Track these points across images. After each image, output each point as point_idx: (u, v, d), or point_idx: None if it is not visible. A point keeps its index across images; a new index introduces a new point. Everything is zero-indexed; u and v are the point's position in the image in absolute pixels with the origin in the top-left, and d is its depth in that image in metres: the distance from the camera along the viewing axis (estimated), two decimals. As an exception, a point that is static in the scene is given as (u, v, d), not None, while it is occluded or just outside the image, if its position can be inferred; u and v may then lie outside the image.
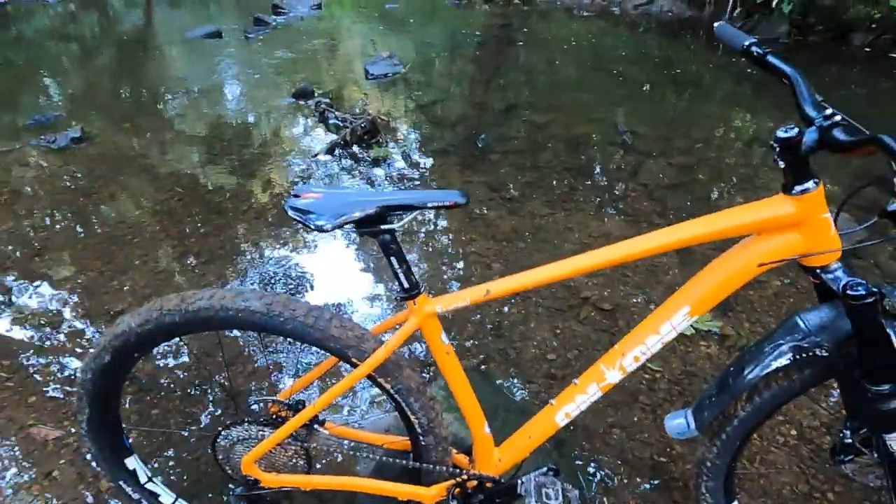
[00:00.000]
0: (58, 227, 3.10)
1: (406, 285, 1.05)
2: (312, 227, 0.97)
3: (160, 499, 1.42)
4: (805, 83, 0.94)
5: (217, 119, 4.70)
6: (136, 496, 1.39)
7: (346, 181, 3.56)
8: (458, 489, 1.25)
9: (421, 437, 1.20)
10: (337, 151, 3.82)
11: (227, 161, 3.86)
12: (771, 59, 1.01)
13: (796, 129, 0.88)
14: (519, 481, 1.20)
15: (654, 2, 7.69)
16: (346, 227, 0.98)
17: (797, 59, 5.68)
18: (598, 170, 3.59)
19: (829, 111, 0.88)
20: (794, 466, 1.71)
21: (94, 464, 1.32)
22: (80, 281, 2.65)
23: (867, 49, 5.69)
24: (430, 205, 0.97)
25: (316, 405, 1.18)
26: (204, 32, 7.27)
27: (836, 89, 4.78)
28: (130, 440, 1.39)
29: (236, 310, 1.08)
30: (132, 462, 1.37)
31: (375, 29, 7.95)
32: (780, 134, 0.89)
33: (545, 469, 1.20)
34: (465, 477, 1.23)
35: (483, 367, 2.11)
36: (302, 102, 4.80)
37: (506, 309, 2.40)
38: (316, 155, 3.80)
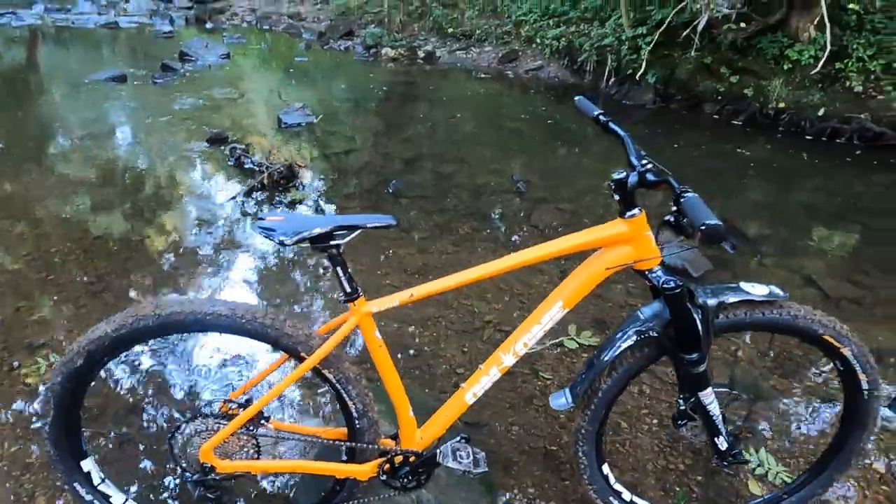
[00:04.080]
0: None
1: (348, 290, 1.33)
2: (276, 241, 1.24)
3: (111, 500, 1.54)
4: (631, 142, 1.35)
5: (132, 163, 4.72)
6: (88, 497, 1.51)
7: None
8: (387, 465, 1.50)
9: (356, 421, 1.46)
10: (255, 194, 4.02)
11: (145, 204, 3.92)
12: (611, 125, 1.43)
13: (624, 173, 1.29)
14: (438, 451, 1.48)
15: (542, 68, 8.60)
16: (302, 242, 1.26)
17: (660, 122, 6.65)
18: (496, 214, 4.04)
19: (645, 161, 1.29)
20: (655, 447, 2.11)
21: (52, 466, 1.45)
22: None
23: (715, 116, 6.75)
24: (369, 225, 1.28)
25: (266, 397, 1.41)
26: (107, 76, 7.20)
27: (689, 148, 5.66)
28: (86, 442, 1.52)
29: (205, 314, 1.31)
30: (88, 464, 1.50)
31: (285, 80, 8.22)
32: (615, 176, 1.29)
33: (458, 438, 1.50)
34: (393, 453, 1.49)
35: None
36: (216, 148, 4.94)
37: (421, 331, 2.70)
38: (234, 197, 3.97)
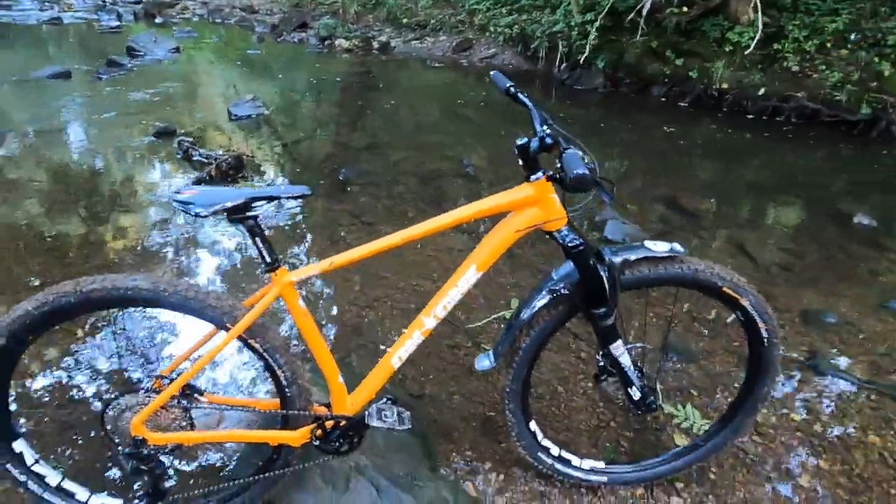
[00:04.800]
0: None
1: (268, 260, 1.37)
2: (192, 214, 1.27)
3: (47, 479, 1.55)
4: (536, 110, 1.41)
5: (78, 157, 4.63)
6: (22, 478, 1.52)
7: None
8: (319, 430, 1.56)
9: (286, 389, 1.50)
10: (202, 185, 3.99)
11: (89, 198, 3.87)
12: (520, 96, 1.49)
13: (527, 139, 1.36)
14: (366, 413, 1.54)
15: (496, 56, 8.68)
16: (218, 214, 1.29)
17: (610, 105, 6.80)
18: (445, 197, 4.10)
19: (545, 127, 1.36)
20: (589, 408, 2.22)
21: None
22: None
23: (663, 99, 6.94)
24: (284, 196, 1.32)
25: (194, 368, 1.44)
26: (50, 72, 6.99)
27: (638, 129, 5.82)
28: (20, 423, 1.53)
29: (126, 288, 1.34)
30: (20, 445, 1.51)
31: (237, 73, 8.12)
32: (518, 142, 1.36)
33: (384, 399, 1.56)
34: (325, 418, 1.55)
35: (346, 359, 2.43)
36: (164, 142, 4.88)
37: (366, 313, 2.75)
38: (180, 190, 3.93)
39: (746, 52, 6.20)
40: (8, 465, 1.50)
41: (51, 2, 13.14)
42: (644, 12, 6.70)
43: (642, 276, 1.48)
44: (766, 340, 1.59)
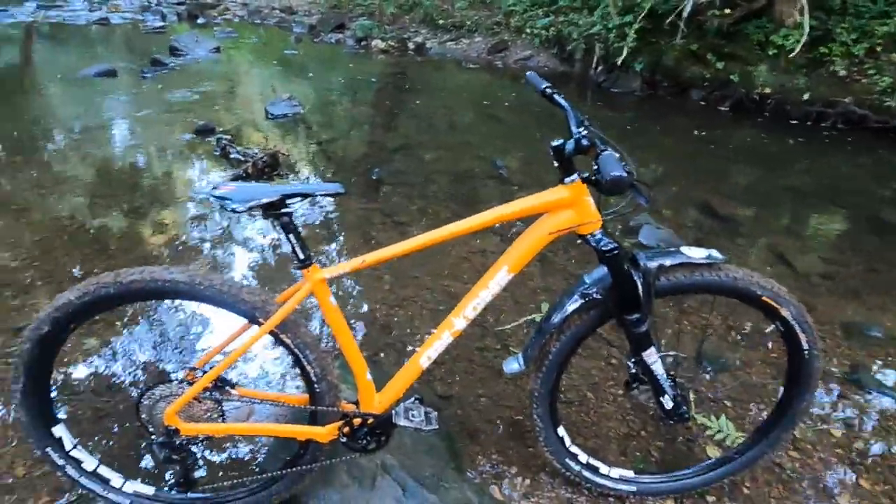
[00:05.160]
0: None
1: (301, 257, 1.39)
2: (229, 209, 1.29)
3: (83, 464, 1.60)
4: (573, 111, 1.39)
5: (121, 152, 4.78)
6: (61, 462, 1.57)
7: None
8: (346, 427, 1.56)
9: (316, 385, 1.51)
10: (239, 181, 4.07)
11: (130, 193, 3.98)
12: (555, 97, 1.47)
13: (562, 140, 1.34)
14: (393, 412, 1.55)
15: (531, 58, 8.63)
16: (253, 210, 1.31)
17: (647, 108, 6.69)
18: (477, 198, 4.09)
19: (582, 129, 1.34)
20: (619, 416, 2.18)
21: (24, 432, 1.51)
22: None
23: (702, 102, 6.79)
24: (318, 193, 1.34)
25: (226, 361, 1.47)
26: (97, 71, 7.23)
27: (676, 133, 5.70)
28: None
29: (164, 280, 1.37)
30: (59, 430, 1.56)
31: (274, 73, 8.26)
32: (553, 143, 1.34)
33: (412, 399, 1.56)
34: (352, 415, 1.55)
35: (375, 357, 2.44)
36: (204, 139, 4.99)
37: (395, 311, 2.76)
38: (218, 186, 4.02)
39: (791, 56, 6.02)
40: (48, 449, 1.55)
41: (100, 3, 13.58)
42: (685, 14, 6.57)
43: (678, 283, 1.45)
44: (806, 352, 1.53)
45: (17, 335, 2.46)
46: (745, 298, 1.49)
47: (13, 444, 1.93)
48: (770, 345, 2.52)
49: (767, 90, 6.36)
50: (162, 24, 11.58)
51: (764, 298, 1.47)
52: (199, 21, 12.27)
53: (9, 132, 5.10)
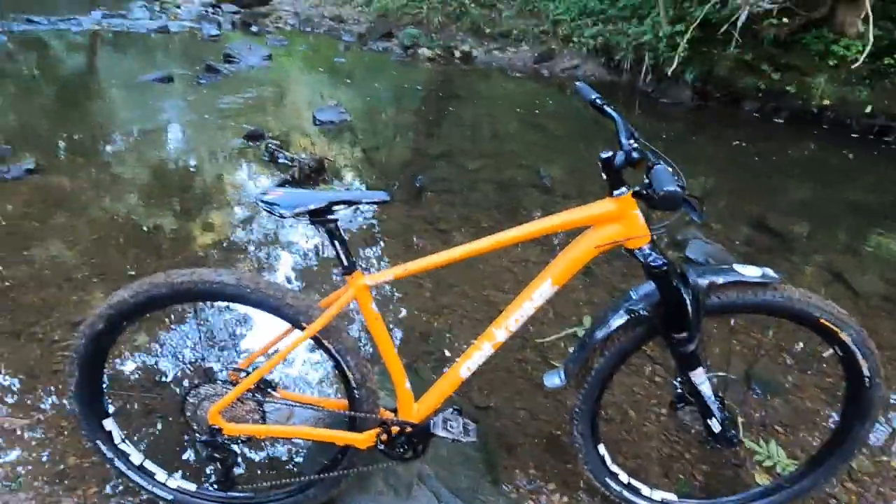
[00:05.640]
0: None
1: (346, 263, 1.40)
2: (277, 214, 1.32)
3: (130, 458, 1.65)
4: (623, 123, 1.36)
5: (175, 155, 4.96)
6: (109, 454, 1.62)
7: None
8: (384, 435, 1.56)
9: (355, 391, 1.52)
10: (286, 187, 4.15)
11: (183, 195, 4.12)
12: (605, 108, 1.44)
13: (612, 152, 1.31)
14: (431, 421, 1.54)
15: (578, 67, 8.55)
16: (300, 216, 1.33)
17: (698, 119, 6.53)
18: (520, 207, 4.06)
19: (632, 141, 1.31)
20: (662, 436, 2.11)
21: (77, 424, 1.57)
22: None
23: (756, 114, 6.58)
24: (364, 200, 1.34)
25: (269, 364, 1.49)
26: (155, 77, 7.52)
27: (729, 145, 5.54)
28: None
29: (212, 282, 1.40)
30: (109, 424, 1.62)
31: (323, 80, 8.42)
32: (602, 155, 1.31)
33: (451, 409, 1.55)
34: (390, 423, 1.55)
35: (413, 365, 2.44)
36: (253, 144, 5.13)
37: (435, 320, 2.75)
38: (266, 191, 4.11)
39: (853, 67, 5.77)
40: (98, 442, 1.60)
41: (160, 12, 14.16)
42: (739, 23, 6.39)
43: (730, 302, 1.39)
44: (868, 380, 1.45)
45: (74, 328, 2.56)
46: (801, 321, 1.42)
47: (66, 435, 2.01)
48: (825, 368, 2.40)
49: (826, 102, 6.12)
50: (217, 32, 11.97)
51: (822, 321, 1.40)
52: (253, 29, 12.63)
53: (72, 134, 5.35)
